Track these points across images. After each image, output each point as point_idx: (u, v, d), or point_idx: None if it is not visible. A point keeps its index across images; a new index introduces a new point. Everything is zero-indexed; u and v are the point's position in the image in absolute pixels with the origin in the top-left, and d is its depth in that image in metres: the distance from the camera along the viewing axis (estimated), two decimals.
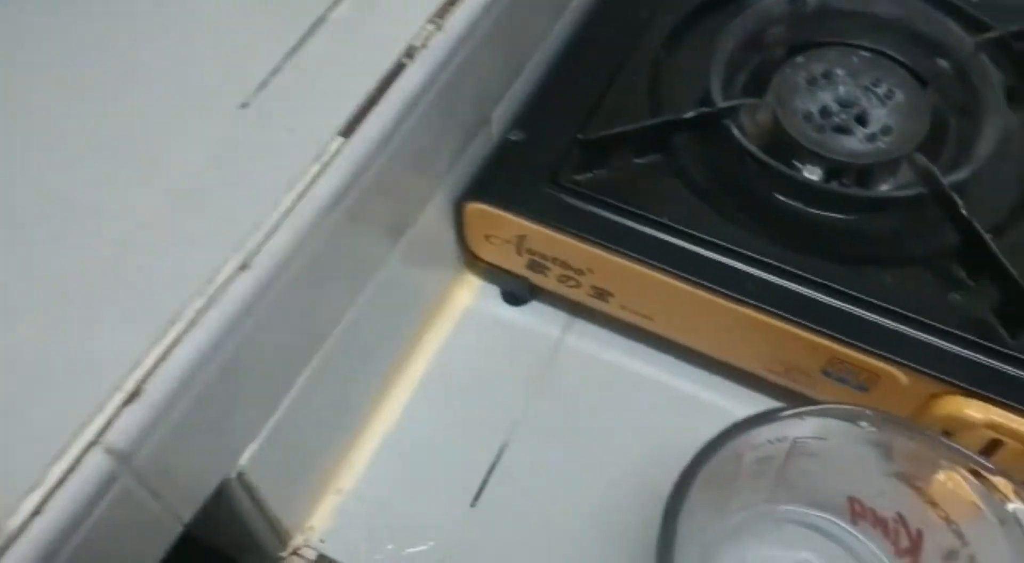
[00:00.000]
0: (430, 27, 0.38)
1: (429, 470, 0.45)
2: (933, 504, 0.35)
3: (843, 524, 0.39)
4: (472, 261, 0.49)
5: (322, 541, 0.43)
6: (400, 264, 0.43)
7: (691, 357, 0.47)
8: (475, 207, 0.44)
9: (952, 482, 0.33)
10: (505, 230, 0.44)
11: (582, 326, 0.49)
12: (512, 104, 0.47)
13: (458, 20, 0.39)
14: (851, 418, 0.34)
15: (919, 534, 0.36)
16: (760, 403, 0.46)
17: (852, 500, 0.38)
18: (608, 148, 0.43)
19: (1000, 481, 0.31)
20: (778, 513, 0.40)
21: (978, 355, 0.38)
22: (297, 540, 0.43)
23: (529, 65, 0.48)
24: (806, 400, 0.44)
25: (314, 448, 0.42)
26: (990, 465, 0.32)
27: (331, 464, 0.44)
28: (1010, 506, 0.31)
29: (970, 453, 0.32)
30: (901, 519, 0.37)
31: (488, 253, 0.47)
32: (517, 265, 0.46)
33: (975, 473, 0.32)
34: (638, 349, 0.48)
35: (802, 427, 0.35)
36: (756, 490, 0.39)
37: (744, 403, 0.46)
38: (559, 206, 0.43)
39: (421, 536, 0.43)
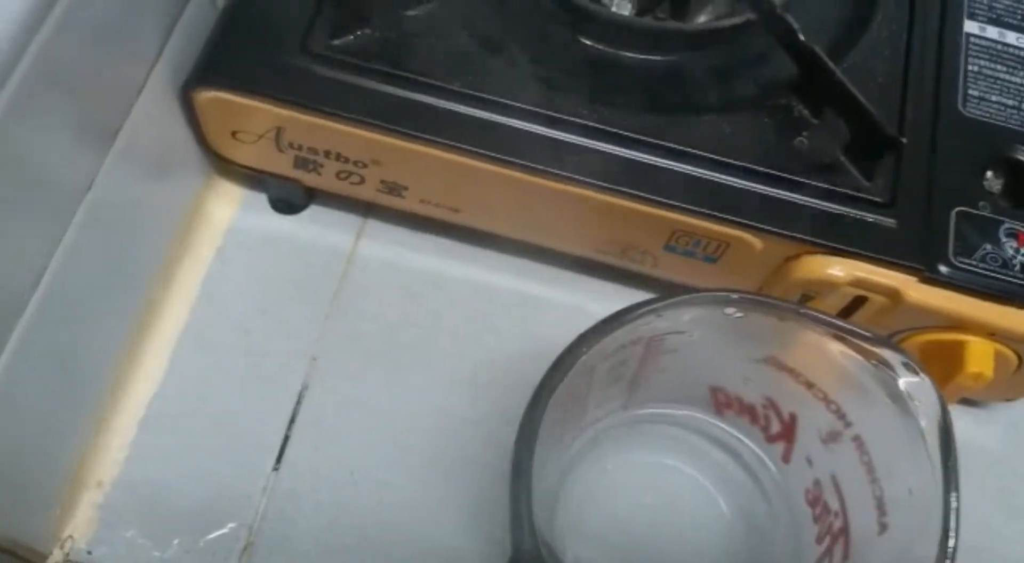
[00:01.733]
0: None
1: (213, 436, 0.36)
2: (809, 385, 0.30)
3: (706, 417, 0.35)
4: (224, 165, 0.38)
5: (89, 552, 0.34)
6: (119, 178, 0.32)
7: (513, 248, 0.39)
8: (207, 96, 0.33)
9: (831, 360, 0.28)
10: (254, 122, 0.34)
11: (378, 228, 0.40)
12: None
13: None
14: (715, 303, 0.28)
15: (792, 418, 0.32)
16: (598, 289, 0.40)
17: (715, 390, 0.33)
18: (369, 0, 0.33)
19: (887, 354, 0.27)
20: (636, 416, 0.35)
21: (834, 205, 0.33)
22: (56, 558, 0.34)
23: None
24: (649, 282, 0.38)
25: (45, 438, 0.32)
26: (876, 336, 0.27)
27: (79, 452, 0.34)
28: (901, 381, 0.27)
29: (856, 328, 0.27)
30: (771, 403, 0.32)
31: (240, 154, 0.37)
32: (281, 165, 0.36)
33: (860, 349, 0.27)
34: (449, 247, 0.40)
35: (658, 325, 0.29)
36: (611, 398, 0.33)
37: (581, 292, 0.40)
38: (318, 82, 0.33)
39: (216, 519, 0.35)
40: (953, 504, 0.25)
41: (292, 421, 0.36)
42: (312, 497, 0.35)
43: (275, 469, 0.35)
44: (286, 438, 0.36)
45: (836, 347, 0.28)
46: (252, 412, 0.36)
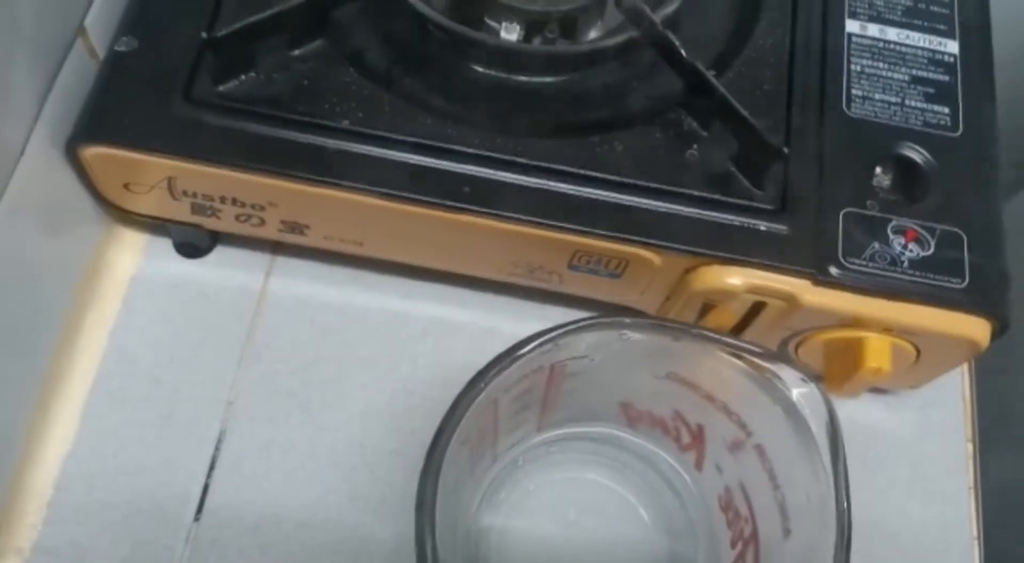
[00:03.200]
0: None
1: (131, 491, 0.35)
2: (710, 398, 0.31)
3: (620, 432, 0.35)
4: (121, 215, 0.38)
5: None
6: (7, 240, 0.31)
7: (425, 274, 0.39)
8: (92, 152, 0.33)
9: (728, 374, 0.29)
10: (143, 174, 0.34)
11: (287, 265, 0.40)
12: (111, 5, 0.35)
13: None
14: (610, 328, 0.28)
15: (700, 428, 0.32)
16: (512, 309, 0.40)
17: (624, 406, 0.34)
18: (251, 43, 0.33)
19: (780, 368, 0.27)
20: (552, 436, 0.35)
21: (727, 216, 0.33)
22: None
23: None
24: (561, 298, 0.39)
25: None
26: (767, 352, 0.28)
27: None
28: (794, 393, 0.27)
29: (745, 344, 0.28)
30: (679, 416, 0.33)
31: (136, 204, 0.36)
32: (179, 212, 0.36)
33: (752, 364, 0.28)
34: (361, 277, 0.40)
35: (556, 353, 0.29)
36: (523, 423, 0.33)
37: (495, 313, 0.40)
38: (204, 130, 0.32)
39: None
40: (845, 505, 0.26)
41: (211, 468, 0.36)
42: (235, 543, 0.35)
43: (196, 519, 0.35)
44: (206, 486, 0.36)
45: (730, 362, 0.28)
46: (169, 463, 0.36)
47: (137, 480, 0.36)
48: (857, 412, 0.40)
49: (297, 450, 0.37)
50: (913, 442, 0.39)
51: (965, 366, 0.41)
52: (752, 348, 0.28)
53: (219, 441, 0.37)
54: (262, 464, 0.36)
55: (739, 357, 0.28)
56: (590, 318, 0.28)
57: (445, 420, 0.27)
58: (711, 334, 0.28)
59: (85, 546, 0.34)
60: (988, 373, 0.42)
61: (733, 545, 0.32)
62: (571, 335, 0.28)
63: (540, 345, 0.28)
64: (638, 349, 0.30)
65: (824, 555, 0.26)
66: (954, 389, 0.41)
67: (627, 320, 0.28)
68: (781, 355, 0.27)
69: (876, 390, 0.40)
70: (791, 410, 0.28)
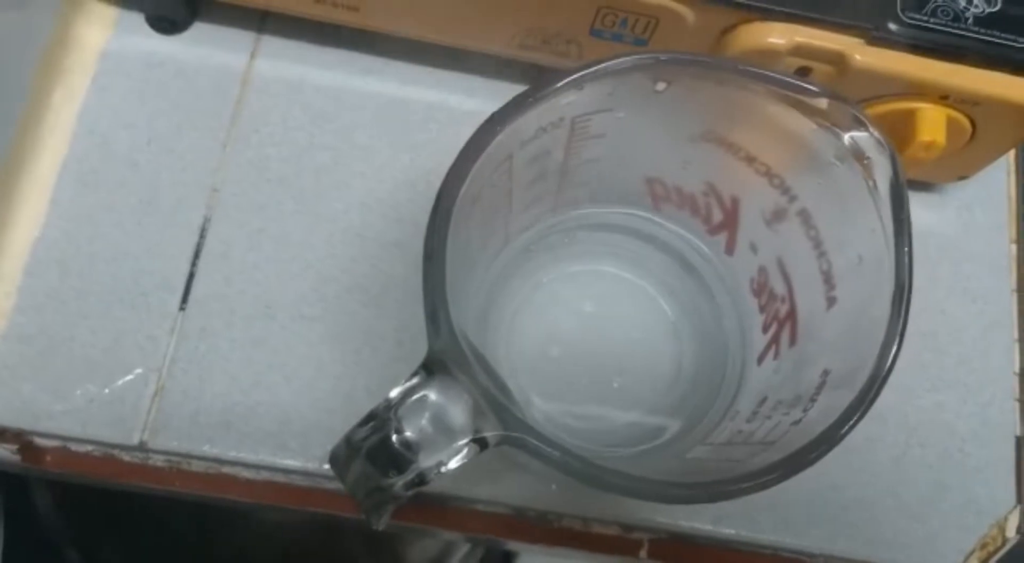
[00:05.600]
0: None
1: (107, 279, 0.33)
2: (750, 160, 0.27)
3: (644, 214, 0.32)
4: None
5: None
6: None
7: (426, 57, 0.36)
8: None
9: (773, 124, 0.25)
10: None
11: (274, 45, 0.36)
12: None
13: None
14: (641, 67, 0.25)
15: (734, 202, 0.29)
16: (511, 93, 0.36)
17: (651, 182, 0.31)
18: None
19: (834, 107, 0.24)
20: (568, 221, 0.32)
21: None
22: None
23: None
24: None
25: None
26: (817, 88, 0.24)
27: None
28: (847, 136, 0.24)
29: (792, 79, 0.24)
30: (712, 189, 0.29)
31: None
32: None
33: (804, 107, 0.24)
34: (356, 60, 0.36)
35: (580, 101, 0.26)
36: (539, 199, 0.30)
37: (501, 100, 0.35)
38: None
39: (121, 366, 0.32)
40: (906, 258, 0.23)
41: (196, 256, 0.33)
42: (226, 335, 0.32)
43: (182, 308, 0.33)
44: (191, 275, 0.33)
45: (778, 109, 0.25)
46: (149, 250, 0.33)
47: (115, 267, 0.33)
48: None
49: (290, 240, 0.34)
50: (955, 241, 0.37)
51: (1013, 164, 0.38)
52: (803, 85, 0.24)
53: (204, 229, 0.34)
54: (252, 254, 0.33)
55: (788, 100, 0.25)
56: (619, 56, 0.24)
57: (455, 165, 0.24)
58: (758, 70, 0.24)
59: (56, 335, 0.32)
60: None
61: (765, 329, 0.30)
62: (598, 78, 0.25)
63: (564, 86, 0.24)
64: (671, 101, 0.26)
65: (877, 316, 0.23)
66: (1000, 188, 0.38)
67: (663, 55, 0.25)
68: (836, 93, 0.24)
69: (918, 185, 0.37)
70: (845, 156, 0.24)
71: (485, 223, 0.28)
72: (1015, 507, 0.34)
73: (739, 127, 0.27)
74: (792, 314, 0.28)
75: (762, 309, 0.30)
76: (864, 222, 0.24)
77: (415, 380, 0.22)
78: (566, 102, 0.25)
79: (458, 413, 0.22)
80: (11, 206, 0.33)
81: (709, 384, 0.31)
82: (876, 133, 0.24)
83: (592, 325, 0.33)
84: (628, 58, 0.25)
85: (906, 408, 0.34)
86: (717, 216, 0.30)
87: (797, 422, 0.25)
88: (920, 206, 0.37)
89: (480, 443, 0.22)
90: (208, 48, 0.36)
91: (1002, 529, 0.34)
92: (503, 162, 0.26)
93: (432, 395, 0.22)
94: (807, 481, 0.33)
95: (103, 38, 0.35)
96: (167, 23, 0.36)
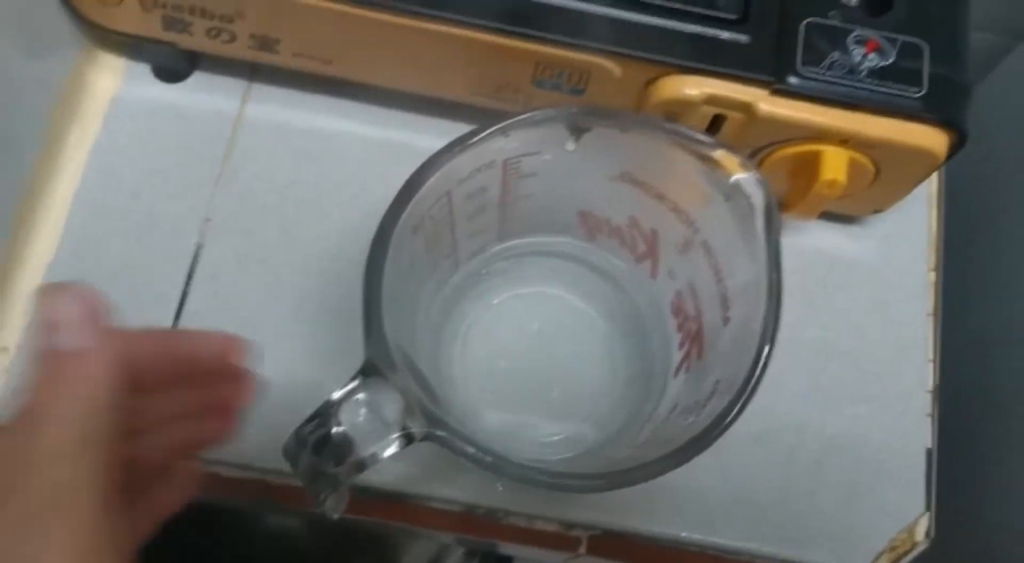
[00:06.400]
0: None
1: (112, 295, 0.37)
2: (661, 197, 0.31)
3: (580, 242, 0.36)
4: (99, 34, 0.38)
5: None
6: None
7: (400, 102, 0.40)
8: None
9: (675, 168, 0.29)
10: None
11: (264, 91, 0.41)
12: None
13: None
14: (557, 119, 0.29)
15: (654, 234, 0.33)
16: None
17: (583, 215, 0.35)
18: None
19: (721, 155, 0.28)
20: (516, 247, 0.36)
21: (689, 25, 0.33)
22: None
23: None
24: None
25: None
26: (709, 140, 0.28)
27: None
28: (732, 178, 0.28)
29: (685, 130, 0.28)
30: (635, 222, 0.33)
31: (110, 19, 0.37)
32: (152, 27, 0.37)
33: (695, 153, 0.28)
34: (337, 105, 0.41)
35: (508, 146, 0.30)
36: (483, 229, 0.34)
37: None
38: None
39: None
40: (775, 276, 0.26)
41: (190, 277, 0.38)
42: None
43: (175, 324, 0.37)
44: (184, 293, 0.37)
45: (676, 154, 0.29)
46: (149, 270, 0.38)
47: (117, 286, 0.37)
48: (822, 240, 0.40)
49: (274, 262, 0.38)
50: (875, 269, 0.40)
51: (934, 197, 0.42)
52: (695, 136, 0.28)
53: (197, 253, 0.38)
54: (240, 276, 0.38)
55: (682, 146, 0.29)
56: (538, 109, 0.29)
57: (396, 200, 0.28)
58: (654, 121, 0.28)
59: None
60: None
61: (681, 346, 0.33)
62: (520, 126, 0.29)
63: (490, 133, 0.29)
64: (590, 147, 0.30)
65: (755, 330, 0.27)
66: (920, 220, 0.41)
67: (575, 109, 0.29)
68: (718, 142, 0.28)
69: (842, 218, 0.40)
70: (732, 195, 0.28)
71: (430, 249, 0.32)
72: (924, 513, 0.37)
73: (648, 170, 0.31)
74: (700, 332, 0.32)
75: (679, 328, 0.34)
76: (748, 250, 0.28)
77: (353, 383, 0.26)
78: (496, 147, 0.30)
79: (390, 411, 0.26)
80: (29, 234, 0.37)
81: (636, 395, 0.35)
82: (756, 176, 0.28)
83: (537, 342, 0.37)
84: (544, 111, 0.29)
85: (826, 419, 0.38)
86: (641, 246, 0.34)
87: (691, 424, 0.28)
88: (845, 237, 0.40)
89: (408, 437, 0.26)
90: (205, 94, 0.40)
91: (911, 533, 0.37)
92: (441, 197, 0.30)
93: (368, 396, 0.26)
94: (731, 484, 0.37)
95: (113, 86, 0.40)
96: (168, 72, 0.40)
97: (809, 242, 0.40)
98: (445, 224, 0.32)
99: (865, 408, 0.38)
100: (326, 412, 0.26)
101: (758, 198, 0.28)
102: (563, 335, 0.37)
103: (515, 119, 0.29)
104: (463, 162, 0.29)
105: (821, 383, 0.38)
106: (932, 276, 0.40)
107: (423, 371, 0.29)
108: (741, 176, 0.28)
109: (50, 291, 0.21)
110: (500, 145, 0.30)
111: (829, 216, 0.40)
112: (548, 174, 0.32)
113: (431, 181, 0.29)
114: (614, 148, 0.30)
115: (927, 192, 0.42)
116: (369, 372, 0.26)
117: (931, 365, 0.39)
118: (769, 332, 0.26)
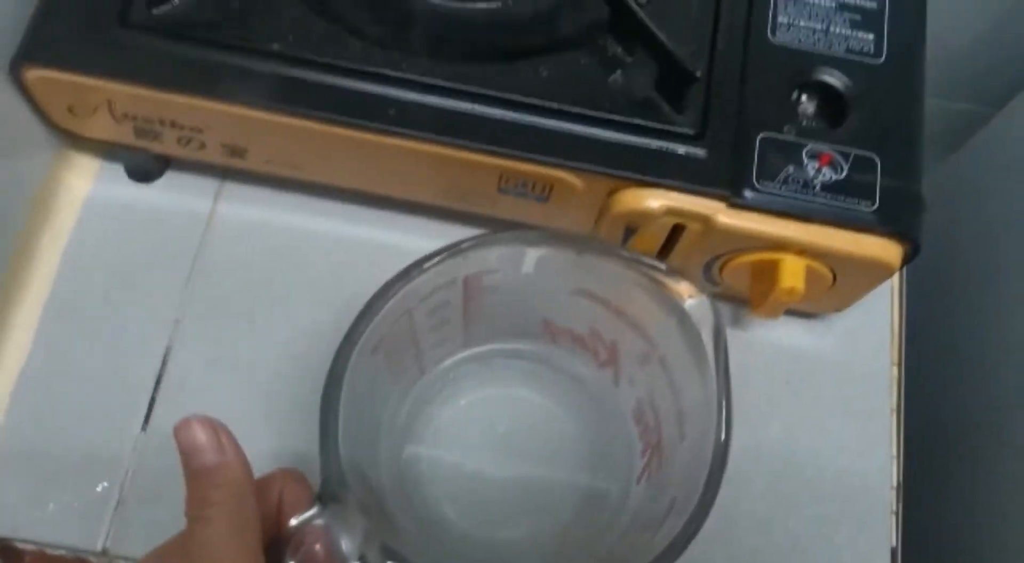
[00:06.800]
0: None
1: (83, 402, 0.38)
2: (620, 313, 0.32)
3: (546, 348, 0.36)
4: (75, 138, 0.39)
5: None
6: None
7: (371, 201, 0.41)
8: (34, 74, 0.34)
9: (630, 289, 0.30)
10: (84, 96, 0.35)
11: (236, 190, 0.42)
12: None
13: None
14: (516, 242, 0.30)
15: (613, 344, 0.34)
16: (456, 234, 0.40)
17: (547, 324, 0.35)
18: None
19: (672, 280, 0.29)
20: (484, 352, 0.37)
21: (648, 140, 0.34)
22: None
23: None
24: (500, 225, 0.40)
25: None
26: (660, 265, 0.29)
27: None
28: (683, 303, 0.29)
29: (638, 256, 0.29)
30: (595, 333, 0.34)
31: (82, 127, 0.37)
32: (123, 135, 0.37)
33: (649, 278, 0.29)
34: (308, 203, 0.41)
35: (467, 264, 0.30)
36: (448, 339, 0.35)
37: (432, 237, 0.40)
38: (138, 53, 0.34)
39: (89, 480, 0.36)
40: (723, 403, 0.27)
41: (158, 382, 0.38)
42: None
43: (143, 430, 0.37)
44: (152, 399, 0.38)
45: (631, 275, 0.30)
46: (119, 376, 0.38)
47: (87, 392, 0.38)
48: (785, 336, 0.41)
49: (243, 365, 0.39)
50: (837, 365, 0.41)
51: (895, 291, 0.42)
52: (647, 261, 0.29)
53: (166, 357, 0.38)
54: (208, 378, 0.38)
55: (637, 270, 0.29)
56: (495, 233, 0.29)
57: (352, 327, 0.28)
58: (609, 247, 0.29)
59: (37, 452, 0.37)
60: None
61: (643, 454, 0.34)
62: (477, 248, 0.30)
63: (446, 257, 0.29)
64: (549, 265, 0.31)
65: (708, 450, 0.27)
66: (882, 315, 0.42)
67: (530, 233, 0.30)
68: (670, 269, 0.29)
69: (804, 315, 0.41)
70: (684, 320, 0.29)
71: (393, 363, 0.33)
72: None
73: (605, 288, 0.31)
74: (659, 443, 0.32)
75: (640, 436, 0.34)
76: (698, 372, 0.29)
77: (311, 512, 0.27)
78: (455, 267, 0.30)
79: (347, 540, 0.27)
80: (2, 338, 0.38)
81: (600, 501, 0.35)
82: (707, 301, 0.28)
83: (503, 445, 0.37)
84: (504, 234, 0.30)
85: (789, 518, 0.38)
86: (603, 354, 0.35)
87: (648, 544, 0.29)
88: (807, 333, 0.41)
89: None
90: (177, 194, 0.41)
91: None
92: (402, 316, 0.31)
93: (325, 522, 0.27)
94: None
95: (87, 186, 0.41)
96: (141, 173, 0.41)
97: (772, 337, 0.41)
98: (407, 338, 0.32)
99: (828, 507, 0.38)
100: (284, 541, 0.27)
101: (707, 323, 0.28)
102: (531, 436, 0.38)
103: (471, 242, 0.30)
104: (422, 283, 0.30)
105: (783, 482, 0.39)
106: (894, 371, 0.41)
107: (385, 487, 0.29)
108: (691, 302, 0.29)
109: (183, 425, 0.27)
110: (460, 266, 0.30)
111: (792, 312, 0.40)
112: (509, 288, 0.33)
113: (389, 304, 0.29)
114: (571, 268, 0.31)
115: (889, 286, 0.42)
116: (326, 500, 0.27)
117: (895, 461, 0.39)
118: (719, 460, 0.27)
